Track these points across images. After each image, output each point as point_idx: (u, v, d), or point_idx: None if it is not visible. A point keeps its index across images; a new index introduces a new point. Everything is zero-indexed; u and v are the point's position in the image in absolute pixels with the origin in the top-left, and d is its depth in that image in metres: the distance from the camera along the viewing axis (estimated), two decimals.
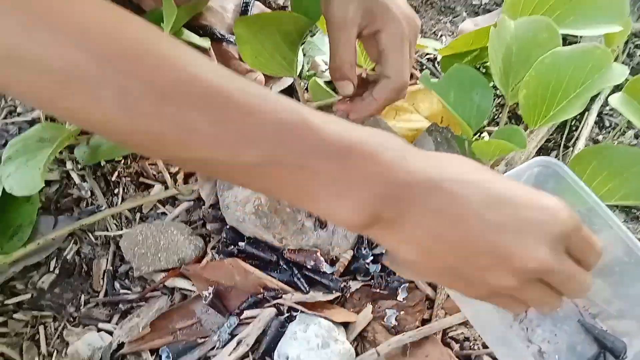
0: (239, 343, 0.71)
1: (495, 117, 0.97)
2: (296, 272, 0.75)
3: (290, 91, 0.99)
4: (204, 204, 0.83)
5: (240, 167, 0.39)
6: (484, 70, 0.94)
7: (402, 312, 0.73)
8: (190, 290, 0.77)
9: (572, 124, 0.95)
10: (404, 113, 0.93)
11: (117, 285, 0.80)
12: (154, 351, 0.73)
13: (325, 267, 0.73)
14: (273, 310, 0.72)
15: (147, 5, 0.85)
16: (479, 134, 0.90)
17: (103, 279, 0.80)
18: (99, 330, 0.75)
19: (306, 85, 0.98)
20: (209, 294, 0.73)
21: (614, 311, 0.72)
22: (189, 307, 0.75)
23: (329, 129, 0.40)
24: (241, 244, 0.77)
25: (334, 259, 0.77)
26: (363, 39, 0.69)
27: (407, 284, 0.74)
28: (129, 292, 0.79)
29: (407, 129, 0.92)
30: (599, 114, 0.96)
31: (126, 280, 0.80)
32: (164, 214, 0.85)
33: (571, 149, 0.91)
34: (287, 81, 0.97)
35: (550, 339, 0.72)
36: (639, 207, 0.86)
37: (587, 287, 0.49)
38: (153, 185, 0.88)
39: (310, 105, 0.93)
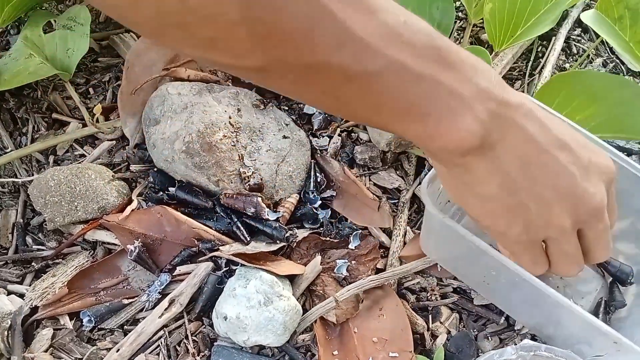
0: (171, 303, 0.62)
1: (457, 42, 0.88)
2: (235, 220, 0.66)
3: None
4: (128, 144, 0.73)
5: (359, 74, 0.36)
6: None
7: (353, 262, 0.65)
8: (115, 244, 0.67)
9: (539, 50, 0.88)
10: None
11: (28, 240, 0.69)
12: (74, 315, 0.64)
13: (268, 214, 0.65)
14: (209, 265, 0.64)
15: None
16: None
17: (12, 233, 0.70)
18: (8, 293, 0.65)
19: None
20: (135, 248, 0.64)
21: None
22: (113, 263, 0.66)
23: (446, 42, 0.39)
24: (171, 189, 0.67)
25: (278, 202, 0.68)
26: None
27: (359, 231, 0.67)
28: (42, 247, 0.68)
29: None
30: (567, 39, 0.89)
31: (39, 235, 0.70)
32: (82, 155, 0.74)
33: (537, 77, 0.84)
34: None
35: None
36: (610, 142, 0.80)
37: (610, 250, 0.50)
38: (68, 123, 0.76)
39: None
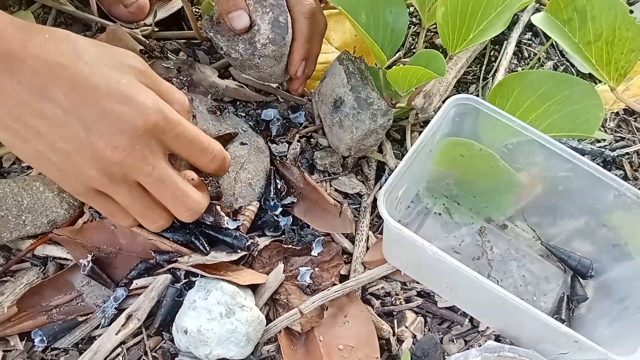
0: (128, 318, 0.60)
1: (412, 47, 0.88)
2: (194, 230, 0.64)
3: (179, 17, 0.85)
4: None
5: None
6: None
7: (317, 269, 0.64)
8: (67, 259, 0.64)
9: (492, 54, 0.89)
10: None
11: None
12: (25, 335, 0.61)
13: (228, 223, 0.63)
14: (168, 277, 0.62)
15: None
16: (393, 65, 0.81)
17: None
18: None
19: (199, 11, 0.84)
20: (88, 262, 0.61)
21: (565, 233, 0.68)
22: (66, 278, 0.63)
23: None
24: None
25: (238, 211, 0.67)
26: None
27: (322, 237, 0.66)
28: None
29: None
30: (518, 43, 0.91)
31: None
32: (30, 167, 0.70)
33: (490, 80, 0.85)
34: (175, 4, 0.84)
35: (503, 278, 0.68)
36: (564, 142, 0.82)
37: (193, 202, 0.52)
38: None
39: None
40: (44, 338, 0.60)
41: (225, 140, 0.67)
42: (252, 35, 0.63)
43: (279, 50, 0.64)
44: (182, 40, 0.83)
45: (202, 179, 0.59)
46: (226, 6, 0.61)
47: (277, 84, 0.76)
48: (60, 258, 0.65)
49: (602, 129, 0.83)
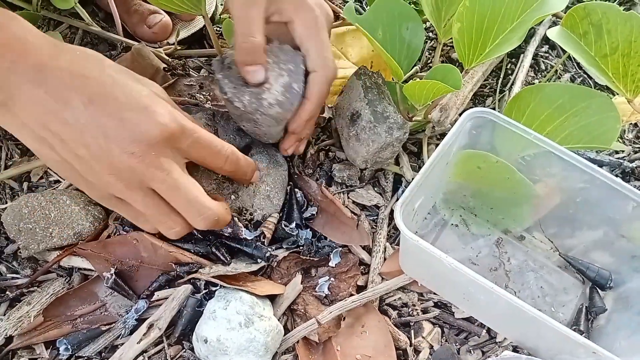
0: (150, 327, 0.61)
1: (429, 61, 0.89)
2: (214, 241, 0.65)
3: (201, 36, 0.88)
4: None
5: None
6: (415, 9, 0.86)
7: (334, 280, 0.65)
8: (92, 270, 0.66)
9: (508, 67, 0.90)
10: None
11: (2, 268, 0.68)
12: (50, 344, 0.62)
13: (245, 234, 0.64)
14: (188, 287, 0.63)
15: None
16: (410, 80, 0.82)
17: None
18: None
19: (220, 30, 0.87)
20: (111, 275, 0.63)
21: (583, 244, 0.68)
22: (90, 289, 0.65)
23: None
24: None
25: (257, 222, 0.68)
26: (271, 28, 0.62)
27: (339, 249, 0.67)
28: (17, 276, 0.67)
29: None
30: (535, 56, 0.91)
31: (14, 263, 0.68)
32: (57, 181, 0.73)
33: (507, 93, 0.86)
34: (197, 24, 0.86)
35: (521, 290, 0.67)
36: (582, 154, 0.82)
37: (205, 209, 0.53)
38: None
39: (226, 50, 0.82)
40: (69, 346, 0.61)
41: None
42: (262, 91, 0.60)
43: (283, 115, 0.62)
44: (204, 58, 0.85)
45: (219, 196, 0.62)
46: (245, 58, 0.59)
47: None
48: (85, 269, 0.66)
49: (620, 140, 0.83)
